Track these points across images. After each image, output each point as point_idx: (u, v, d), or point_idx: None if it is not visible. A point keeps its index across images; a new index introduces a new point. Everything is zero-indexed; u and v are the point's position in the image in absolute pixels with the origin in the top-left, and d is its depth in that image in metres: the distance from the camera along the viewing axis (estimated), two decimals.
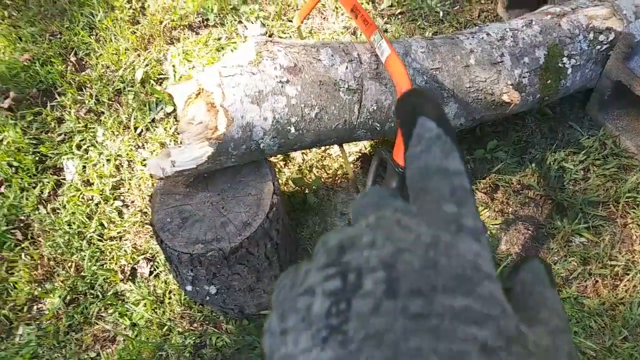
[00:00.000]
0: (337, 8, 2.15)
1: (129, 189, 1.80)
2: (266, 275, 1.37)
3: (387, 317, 0.22)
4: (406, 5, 2.16)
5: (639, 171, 1.68)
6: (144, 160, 1.84)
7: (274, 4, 2.19)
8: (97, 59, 2.10)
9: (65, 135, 1.94)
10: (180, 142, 1.22)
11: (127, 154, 1.86)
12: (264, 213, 1.25)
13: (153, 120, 1.93)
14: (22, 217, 1.78)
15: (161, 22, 2.15)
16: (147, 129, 1.92)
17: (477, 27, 1.57)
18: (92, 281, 1.63)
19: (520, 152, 1.77)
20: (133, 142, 1.89)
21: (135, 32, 2.14)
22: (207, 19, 2.18)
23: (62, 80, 2.04)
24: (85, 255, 1.66)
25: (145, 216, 1.72)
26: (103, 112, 1.97)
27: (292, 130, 1.25)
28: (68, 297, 1.61)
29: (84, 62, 2.14)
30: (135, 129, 1.92)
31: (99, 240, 1.69)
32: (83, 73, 2.09)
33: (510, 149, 1.77)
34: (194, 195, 1.29)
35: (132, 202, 1.78)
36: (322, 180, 1.76)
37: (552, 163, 1.72)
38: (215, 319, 1.53)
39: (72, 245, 1.69)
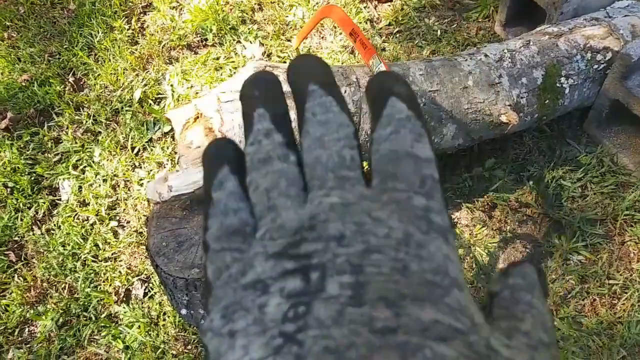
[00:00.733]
0: (335, 27, 2.16)
1: (125, 209, 1.79)
2: None
3: (350, 329, 0.19)
4: (404, 23, 2.17)
5: (636, 189, 1.67)
6: (141, 180, 1.83)
7: (273, 23, 2.20)
8: (95, 79, 2.10)
9: (61, 155, 1.94)
10: (178, 162, 1.21)
11: (124, 174, 1.85)
12: None
13: (150, 139, 1.93)
14: (16, 238, 1.76)
15: (160, 42, 2.16)
16: (145, 149, 1.91)
17: (475, 49, 1.57)
18: (86, 303, 1.61)
19: (518, 170, 1.77)
20: (130, 161, 1.88)
21: (134, 53, 2.15)
22: (206, 39, 2.18)
23: (59, 101, 2.04)
24: (79, 277, 1.64)
25: (141, 236, 1.71)
26: (100, 132, 1.96)
27: None
28: (61, 320, 1.59)
29: (82, 83, 2.14)
30: (133, 148, 1.91)
31: (93, 261, 1.68)
32: (81, 93, 2.09)
33: (508, 167, 1.76)
34: (191, 219, 1.28)
35: (128, 222, 1.77)
36: None
37: (550, 181, 1.72)
38: None
39: (66, 266, 1.67)
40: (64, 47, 2.20)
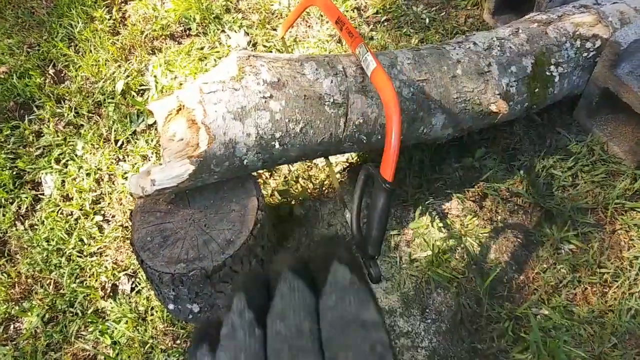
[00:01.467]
0: (321, 16, 2.13)
1: (109, 204, 1.75)
2: None
3: None
4: (392, 12, 2.14)
5: (627, 177, 1.66)
6: (125, 173, 1.79)
7: (258, 12, 2.16)
8: (76, 70, 2.05)
9: (43, 149, 1.89)
10: (162, 156, 1.18)
11: (108, 168, 1.81)
12: (248, 230, 1.21)
13: (134, 132, 1.89)
14: None
15: (142, 33, 2.11)
16: (128, 142, 1.87)
17: (463, 37, 1.55)
18: (72, 299, 1.58)
19: (509, 160, 1.76)
20: (114, 155, 1.84)
21: (115, 43, 2.10)
22: (189, 29, 2.14)
23: (40, 93, 1.99)
24: (64, 272, 1.61)
25: (127, 231, 1.68)
26: (83, 125, 1.92)
27: (277, 145, 1.21)
28: (47, 316, 1.56)
29: (63, 74, 2.08)
30: (116, 141, 1.87)
31: (78, 256, 1.65)
32: (62, 85, 2.04)
33: (498, 157, 1.75)
34: (176, 213, 1.25)
35: (113, 216, 1.74)
36: (309, 191, 1.72)
37: (540, 170, 1.71)
38: None
39: (50, 262, 1.63)
40: (43, 38, 2.15)
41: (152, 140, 1.85)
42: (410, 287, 1.54)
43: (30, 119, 1.96)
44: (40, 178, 1.82)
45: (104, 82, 1.99)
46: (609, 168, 1.70)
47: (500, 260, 1.58)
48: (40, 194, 1.80)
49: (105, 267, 1.62)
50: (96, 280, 1.60)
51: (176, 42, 2.13)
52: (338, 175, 1.76)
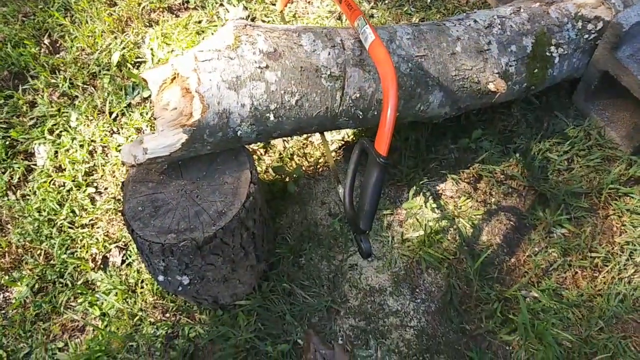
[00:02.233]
0: None
1: (102, 176, 1.74)
2: (242, 266, 1.32)
3: None
4: None
5: (622, 162, 1.66)
6: (119, 146, 1.78)
7: None
8: (72, 41, 2.02)
9: (37, 119, 1.87)
10: (156, 125, 1.17)
11: (102, 140, 1.79)
12: (240, 202, 1.20)
13: (129, 105, 1.87)
14: None
15: (140, 4, 2.08)
16: (123, 114, 1.85)
17: (464, 14, 1.52)
18: (62, 270, 1.57)
19: (505, 142, 1.75)
20: (108, 127, 1.82)
21: (112, 14, 2.07)
22: (188, 2, 2.11)
23: (35, 63, 1.96)
24: (55, 243, 1.60)
25: (119, 203, 1.67)
26: (77, 96, 1.89)
27: (271, 117, 1.20)
28: (36, 286, 1.56)
29: (58, 45, 2.06)
30: (111, 113, 1.85)
31: (69, 227, 1.64)
32: (57, 56, 2.02)
33: (495, 139, 1.74)
34: (168, 184, 1.24)
35: (106, 189, 1.72)
36: (304, 168, 1.71)
37: (536, 153, 1.70)
38: (189, 309, 1.49)
39: (41, 232, 1.63)
40: (39, 7, 2.11)
41: (146, 113, 1.83)
42: (401, 266, 1.54)
43: (24, 88, 1.93)
44: (33, 148, 1.81)
45: (99, 53, 1.97)
46: (604, 153, 1.69)
47: (492, 242, 1.58)
48: (33, 165, 1.79)
49: (97, 239, 1.61)
50: (87, 252, 1.60)
51: (174, 15, 2.10)
52: (333, 154, 1.75)
